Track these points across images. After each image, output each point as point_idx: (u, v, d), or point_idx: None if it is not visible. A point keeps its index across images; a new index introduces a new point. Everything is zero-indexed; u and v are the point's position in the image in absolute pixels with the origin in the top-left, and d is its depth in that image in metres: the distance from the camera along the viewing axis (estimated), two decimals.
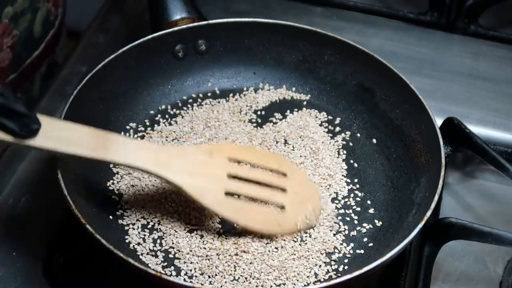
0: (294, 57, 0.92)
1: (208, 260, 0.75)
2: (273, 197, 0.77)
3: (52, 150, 0.68)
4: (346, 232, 0.79)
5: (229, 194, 0.75)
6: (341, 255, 0.77)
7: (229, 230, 0.77)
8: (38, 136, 0.67)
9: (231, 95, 0.92)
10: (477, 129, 0.90)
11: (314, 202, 0.79)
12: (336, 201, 0.81)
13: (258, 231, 0.76)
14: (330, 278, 0.75)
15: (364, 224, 0.79)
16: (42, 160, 0.87)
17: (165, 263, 0.75)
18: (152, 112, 0.89)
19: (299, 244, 0.77)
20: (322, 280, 0.74)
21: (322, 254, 0.77)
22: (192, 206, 0.78)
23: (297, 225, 0.77)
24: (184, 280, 0.73)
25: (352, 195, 0.82)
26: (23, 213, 0.82)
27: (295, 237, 0.77)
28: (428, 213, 0.72)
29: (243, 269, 0.74)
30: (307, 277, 0.75)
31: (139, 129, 0.87)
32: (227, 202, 0.75)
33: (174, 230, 0.77)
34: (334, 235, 0.78)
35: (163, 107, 0.90)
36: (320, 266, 0.76)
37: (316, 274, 0.75)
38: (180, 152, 0.75)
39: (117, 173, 0.82)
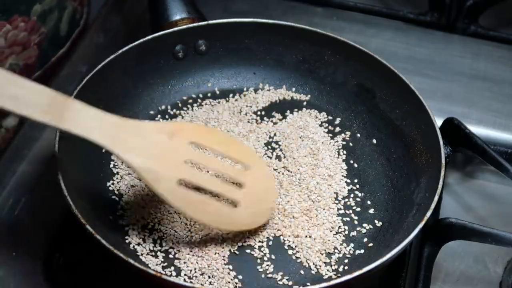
0: (294, 58, 0.92)
1: (208, 260, 0.75)
2: (228, 193, 0.74)
3: (2, 108, 0.62)
4: (346, 232, 0.79)
5: (183, 182, 0.72)
6: (341, 255, 0.77)
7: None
8: None
9: (231, 95, 0.92)
10: (477, 129, 0.90)
11: (270, 200, 0.77)
12: (336, 202, 0.81)
13: (206, 224, 0.74)
14: (330, 278, 0.75)
15: (364, 225, 0.79)
16: (42, 160, 0.87)
17: (165, 264, 0.75)
18: (152, 112, 0.89)
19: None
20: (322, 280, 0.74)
21: (322, 254, 0.77)
22: None
23: (247, 224, 0.75)
24: (184, 280, 0.73)
25: (352, 195, 0.82)
26: (23, 213, 0.82)
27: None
28: (428, 214, 0.72)
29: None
30: None
31: None
32: (179, 191, 0.71)
33: (174, 231, 0.77)
34: (334, 235, 0.78)
35: (163, 107, 0.90)
36: (320, 266, 0.76)
37: None
38: (140, 129, 0.71)
39: (117, 173, 0.82)
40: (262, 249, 0.76)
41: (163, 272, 0.73)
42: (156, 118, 0.88)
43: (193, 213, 0.72)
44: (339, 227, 0.79)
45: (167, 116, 0.89)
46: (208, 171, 0.76)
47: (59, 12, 0.93)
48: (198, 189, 0.74)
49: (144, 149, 0.70)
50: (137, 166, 0.69)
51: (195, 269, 0.74)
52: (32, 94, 0.64)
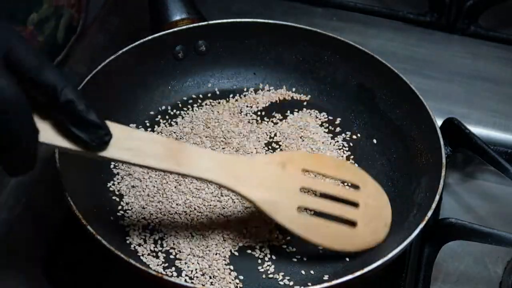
0: (294, 58, 0.92)
1: (209, 260, 0.75)
2: (345, 213, 0.74)
3: (123, 161, 0.66)
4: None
5: (301, 209, 0.74)
6: (341, 255, 0.77)
7: (228, 230, 0.77)
8: (109, 147, 0.64)
9: (231, 95, 0.92)
10: (477, 130, 0.90)
11: (385, 216, 0.76)
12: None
13: (330, 248, 0.74)
14: (331, 278, 0.74)
15: None
16: (42, 160, 0.86)
17: (166, 264, 0.75)
18: (152, 112, 0.89)
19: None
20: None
21: (322, 253, 0.77)
22: (193, 207, 0.79)
23: (368, 242, 0.75)
24: (185, 281, 0.73)
25: None
26: (23, 213, 0.82)
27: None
28: (429, 214, 0.72)
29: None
30: None
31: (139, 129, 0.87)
32: (299, 218, 0.73)
33: (175, 231, 0.77)
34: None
35: (163, 107, 0.90)
36: (321, 265, 0.76)
37: None
38: (253, 164, 0.73)
39: (118, 174, 0.82)
40: (263, 249, 0.76)
41: (164, 273, 0.73)
42: (157, 119, 0.88)
43: (315, 238, 0.73)
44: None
45: (167, 117, 0.89)
46: (323, 195, 0.76)
47: (56, 20, 0.93)
48: (316, 213, 0.75)
49: (260, 182, 0.72)
50: (257, 200, 0.71)
51: (196, 269, 0.74)
52: (148, 144, 0.67)
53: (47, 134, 0.61)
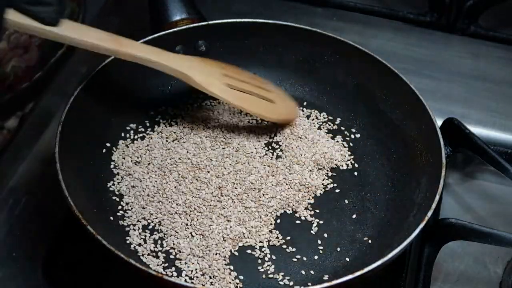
0: (294, 58, 0.92)
1: (209, 260, 0.75)
2: (264, 93, 0.86)
3: (73, 39, 0.76)
4: (347, 232, 0.79)
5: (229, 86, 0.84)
6: (341, 255, 0.77)
7: (228, 230, 0.77)
8: (62, 26, 0.75)
9: None
10: (477, 130, 0.90)
11: (294, 105, 0.89)
12: (337, 202, 0.81)
13: (260, 115, 0.86)
14: (331, 278, 0.74)
15: (365, 225, 0.79)
16: (42, 160, 0.87)
17: (166, 264, 0.75)
18: (152, 113, 0.89)
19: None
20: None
21: (322, 253, 0.77)
22: (193, 207, 0.79)
23: (286, 115, 0.87)
24: (185, 281, 0.73)
25: (352, 195, 0.82)
26: (23, 213, 0.82)
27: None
28: (429, 214, 0.72)
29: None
30: None
31: (140, 129, 0.87)
32: (229, 91, 0.84)
33: (175, 231, 0.77)
34: (335, 235, 0.78)
35: (163, 107, 0.90)
36: (321, 265, 0.76)
37: None
38: (182, 56, 0.84)
39: (118, 174, 0.82)
40: (263, 249, 0.76)
41: (164, 273, 0.73)
42: (157, 119, 0.88)
43: (245, 105, 0.85)
44: (340, 227, 0.79)
45: (167, 117, 0.89)
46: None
47: None
48: None
49: (191, 65, 0.83)
50: (191, 74, 0.82)
51: (196, 269, 0.74)
52: (96, 31, 0.79)
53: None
